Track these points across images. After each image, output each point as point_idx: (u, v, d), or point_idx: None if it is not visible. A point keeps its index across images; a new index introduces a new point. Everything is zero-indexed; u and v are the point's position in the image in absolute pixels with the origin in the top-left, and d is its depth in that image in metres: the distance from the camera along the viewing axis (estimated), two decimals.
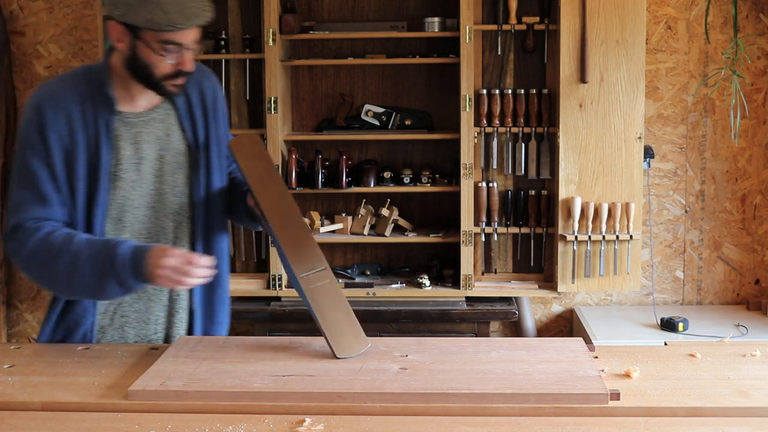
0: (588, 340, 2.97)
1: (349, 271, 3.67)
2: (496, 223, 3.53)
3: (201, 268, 1.87)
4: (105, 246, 1.91)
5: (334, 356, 1.86)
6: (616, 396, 1.63)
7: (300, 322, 3.38)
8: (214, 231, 2.17)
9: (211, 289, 2.15)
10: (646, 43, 3.55)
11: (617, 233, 3.38)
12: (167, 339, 2.13)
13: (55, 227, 1.96)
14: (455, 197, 3.50)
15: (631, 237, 3.39)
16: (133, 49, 1.94)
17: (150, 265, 1.86)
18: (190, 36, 1.93)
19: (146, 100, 2.06)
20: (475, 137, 3.44)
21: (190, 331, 2.15)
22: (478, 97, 3.47)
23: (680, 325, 3.35)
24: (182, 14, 1.89)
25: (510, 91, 3.46)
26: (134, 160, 2.03)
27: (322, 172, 3.50)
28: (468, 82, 3.38)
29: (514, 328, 3.81)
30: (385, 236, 3.54)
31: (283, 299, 3.49)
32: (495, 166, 3.52)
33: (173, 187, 2.09)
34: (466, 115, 3.40)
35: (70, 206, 1.99)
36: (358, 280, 3.63)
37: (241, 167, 2.06)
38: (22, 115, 2.02)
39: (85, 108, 1.98)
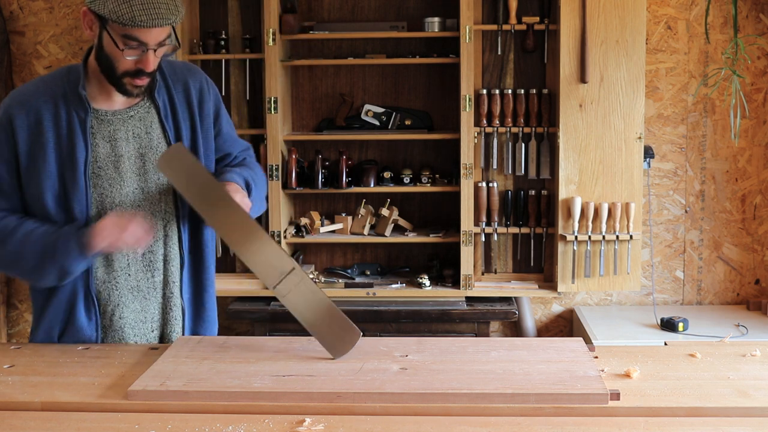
0: (588, 340, 2.97)
1: (349, 271, 3.67)
2: (496, 223, 3.53)
3: (137, 226, 1.94)
4: (54, 228, 1.99)
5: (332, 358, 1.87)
6: (616, 396, 1.63)
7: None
8: (201, 229, 2.16)
9: (199, 287, 2.17)
10: (646, 43, 3.55)
11: (617, 233, 3.38)
12: (163, 338, 2.14)
13: (6, 214, 2.03)
14: (455, 197, 3.50)
15: (631, 237, 3.39)
16: (99, 39, 1.95)
17: (92, 231, 1.94)
18: (153, 35, 1.90)
19: (124, 98, 2.05)
20: (475, 137, 3.44)
21: (183, 330, 2.16)
22: (478, 97, 3.47)
23: (680, 325, 3.35)
24: (145, 12, 1.86)
25: (510, 91, 3.46)
26: (112, 158, 2.04)
27: (322, 172, 3.50)
28: (468, 82, 3.38)
29: (514, 328, 3.81)
30: (385, 236, 3.54)
31: None
32: (495, 166, 3.52)
33: (159, 186, 2.08)
34: (466, 115, 3.40)
35: (40, 204, 2.02)
36: (358, 280, 3.62)
37: (176, 188, 2.01)
38: None
39: (58, 107, 2.01)
